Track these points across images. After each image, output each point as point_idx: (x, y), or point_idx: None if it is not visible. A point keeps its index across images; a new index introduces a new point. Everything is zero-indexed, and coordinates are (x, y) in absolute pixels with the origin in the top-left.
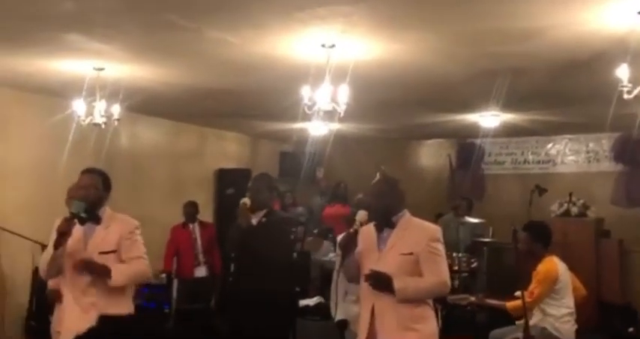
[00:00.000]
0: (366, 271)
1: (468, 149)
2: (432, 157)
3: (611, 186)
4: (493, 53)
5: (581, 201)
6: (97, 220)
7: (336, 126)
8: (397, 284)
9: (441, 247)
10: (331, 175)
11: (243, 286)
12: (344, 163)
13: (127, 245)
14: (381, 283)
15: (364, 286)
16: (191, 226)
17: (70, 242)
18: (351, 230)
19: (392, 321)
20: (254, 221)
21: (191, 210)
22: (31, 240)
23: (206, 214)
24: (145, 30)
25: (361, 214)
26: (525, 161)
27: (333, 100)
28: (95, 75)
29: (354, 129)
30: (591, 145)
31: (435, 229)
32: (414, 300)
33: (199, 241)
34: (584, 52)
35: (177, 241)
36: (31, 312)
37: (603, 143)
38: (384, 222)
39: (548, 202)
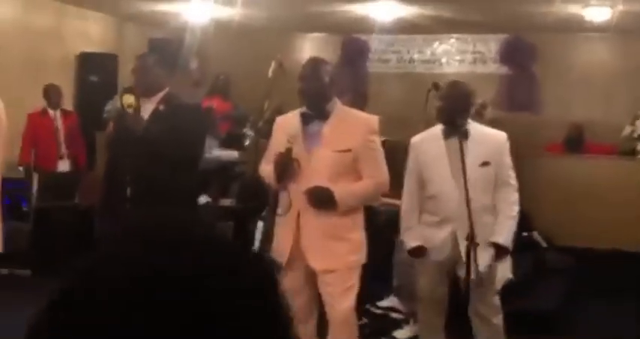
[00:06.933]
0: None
1: (353, 45)
2: (316, 52)
3: (495, 89)
4: None
5: (479, 101)
6: None
7: (216, 11)
8: (338, 195)
9: (379, 141)
10: (207, 67)
11: (137, 189)
12: (222, 54)
13: None
14: (322, 198)
15: (291, 192)
16: (52, 113)
17: None
18: (286, 150)
19: (319, 230)
20: (149, 110)
21: (54, 94)
22: None
23: (67, 103)
24: None
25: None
26: (411, 60)
27: None
28: None
29: (235, 16)
30: (478, 45)
31: (375, 120)
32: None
33: (62, 131)
34: None
35: (36, 129)
36: None
37: (490, 45)
38: (317, 112)
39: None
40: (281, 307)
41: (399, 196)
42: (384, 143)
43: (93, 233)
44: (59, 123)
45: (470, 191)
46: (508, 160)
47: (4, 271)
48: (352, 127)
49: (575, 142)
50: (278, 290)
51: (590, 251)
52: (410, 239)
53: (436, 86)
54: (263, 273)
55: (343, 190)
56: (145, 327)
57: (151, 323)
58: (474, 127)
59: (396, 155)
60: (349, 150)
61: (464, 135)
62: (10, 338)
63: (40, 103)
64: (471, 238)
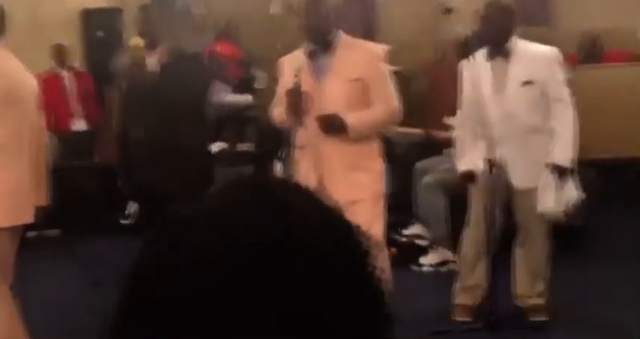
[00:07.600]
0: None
1: None
2: None
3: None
4: None
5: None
6: None
7: None
8: (349, 121)
9: (387, 69)
10: (211, 11)
11: (152, 143)
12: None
13: None
14: (333, 124)
15: (307, 126)
16: (60, 72)
17: None
18: (294, 85)
19: (340, 161)
20: (153, 63)
21: (60, 53)
22: None
23: (75, 62)
24: None
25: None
26: None
27: None
28: None
29: None
30: None
31: (382, 48)
32: (366, 135)
33: (74, 91)
34: None
35: (47, 90)
36: None
37: None
38: (321, 45)
39: (448, 25)
40: (380, 283)
41: (413, 124)
42: (395, 74)
43: (114, 190)
44: (69, 82)
45: (512, 111)
46: (560, 76)
47: (33, 233)
48: (359, 56)
49: (590, 52)
50: (373, 265)
51: (613, 162)
52: (460, 164)
53: (448, 11)
54: (365, 244)
55: (354, 117)
56: (250, 296)
57: (256, 289)
58: (521, 45)
59: (408, 83)
60: (359, 79)
61: (506, 54)
62: (45, 296)
63: (47, 63)
64: (490, 161)
